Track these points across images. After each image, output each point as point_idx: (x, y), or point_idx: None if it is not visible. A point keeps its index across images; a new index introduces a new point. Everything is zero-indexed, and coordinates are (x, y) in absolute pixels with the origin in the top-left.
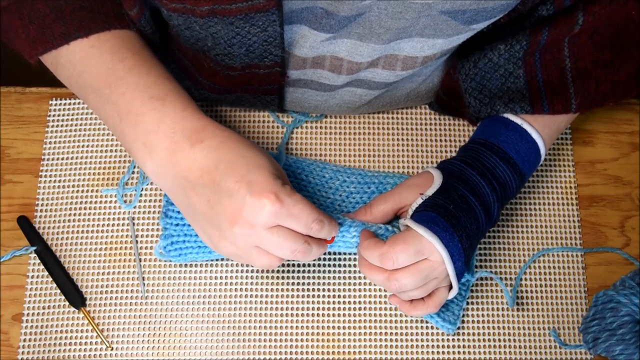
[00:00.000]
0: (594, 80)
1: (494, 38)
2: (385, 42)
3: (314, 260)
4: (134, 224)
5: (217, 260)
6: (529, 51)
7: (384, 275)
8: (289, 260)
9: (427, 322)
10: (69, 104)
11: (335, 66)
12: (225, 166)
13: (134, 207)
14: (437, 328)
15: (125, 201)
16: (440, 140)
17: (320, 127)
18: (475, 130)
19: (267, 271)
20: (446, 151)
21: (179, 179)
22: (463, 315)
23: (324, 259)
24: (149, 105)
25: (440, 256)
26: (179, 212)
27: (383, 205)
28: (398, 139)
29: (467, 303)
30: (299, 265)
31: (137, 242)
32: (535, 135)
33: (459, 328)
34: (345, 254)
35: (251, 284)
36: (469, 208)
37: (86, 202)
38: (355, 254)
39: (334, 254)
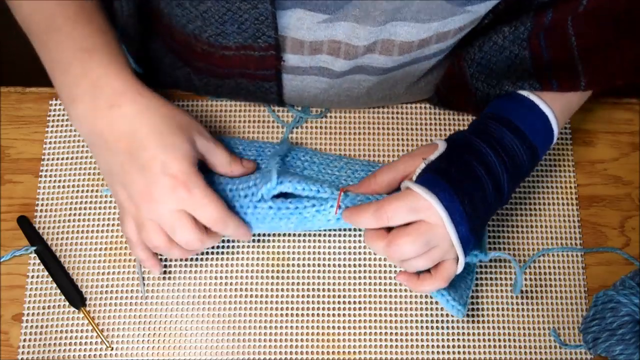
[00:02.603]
0: (602, 57)
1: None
2: (380, 23)
3: (314, 260)
4: None
5: (217, 260)
6: (533, 32)
7: (384, 242)
8: (287, 261)
9: (426, 322)
10: None
11: (333, 49)
12: (141, 139)
13: None
14: (436, 328)
15: None
16: (443, 137)
17: (321, 127)
18: (485, 109)
19: (267, 271)
20: None
21: (97, 136)
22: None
23: (324, 259)
24: (77, 57)
25: (439, 218)
26: None
27: (387, 175)
28: (399, 137)
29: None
30: (299, 265)
31: None
32: (543, 107)
33: (459, 328)
34: (346, 253)
35: (251, 284)
36: (474, 175)
37: (86, 202)
38: (355, 241)
39: (335, 254)
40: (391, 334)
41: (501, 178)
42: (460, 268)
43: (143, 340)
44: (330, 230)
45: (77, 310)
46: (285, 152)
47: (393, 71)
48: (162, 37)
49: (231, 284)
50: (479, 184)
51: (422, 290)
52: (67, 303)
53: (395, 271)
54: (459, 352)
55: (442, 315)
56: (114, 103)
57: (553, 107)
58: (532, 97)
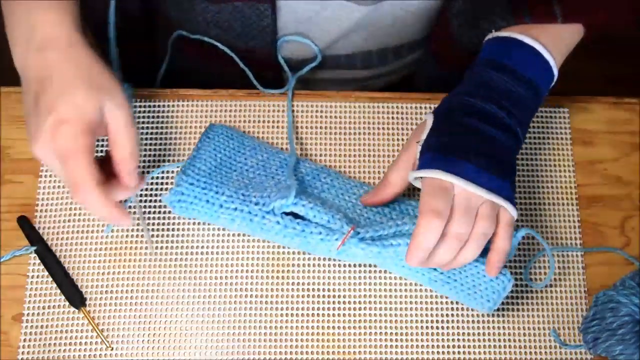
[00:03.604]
0: None
1: None
2: None
3: (314, 260)
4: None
5: (217, 260)
6: None
7: (450, 255)
8: (287, 261)
9: (426, 322)
10: None
11: None
12: (47, 85)
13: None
14: (436, 328)
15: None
16: None
17: (321, 127)
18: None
19: (267, 271)
20: None
21: (22, 77)
22: (462, 316)
23: (324, 259)
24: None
25: (463, 184)
26: (197, 173)
27: (396, 172)
28: (399, 137)
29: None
30: (299, 265)
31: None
32: (528, 40)
33: (459, 328)
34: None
35: (251, 284)
36: (469, 129)
37: None
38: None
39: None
40: (391, 334)
41: (500, 116)
42: (514, 211)
43: (143, 340)
44: None
45: (77, 310)
46: (294, 163)
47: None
48: None
49: (231, 284)
50: (478, 136)
51: (501, 246)
52: (67, 303)
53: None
54: (459, 352)
55: (442, 315)
56: (41, 47)
57: (540, 39)
58: (515, 34)
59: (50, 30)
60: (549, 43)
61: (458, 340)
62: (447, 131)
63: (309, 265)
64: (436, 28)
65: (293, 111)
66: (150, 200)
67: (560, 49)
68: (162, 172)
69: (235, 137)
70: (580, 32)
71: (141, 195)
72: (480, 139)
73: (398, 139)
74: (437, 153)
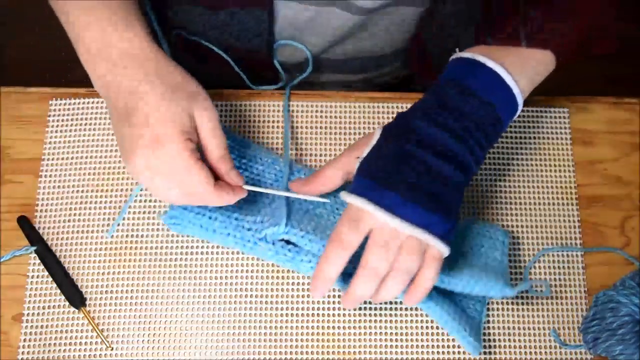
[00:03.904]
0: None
1: None
2: None
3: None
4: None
5: (217, 260)
6: None
7: (371, 288)
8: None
9: (426, 322)
10: (69, 104)
11: None
12: (137, 101)
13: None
14: (436, 327)
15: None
16: None
17: (320, 126)
18: None
19: (267, 271)
20: None
21: (105, 97)
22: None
23: None
24: (94, 20)
25: (381, 217)
26: None
27: (334, 170)
28: None
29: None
30: None
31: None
32: (491, 64)
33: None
34: None
35: (251, 284)
36: (407, 157)
37: (86, 202)
38: None
39: None
40: (391, 334)
41: (450, 147)
42: (443, 247)
43: (143, 340)
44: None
45: (77, 310)
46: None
47: (373, 17)
48: None
49: (231, 284)
50: (419, 166)
51: (425, 284)
52: (67, 303)
53: None
54: (459, 352)
55: None
56: (123, 64)
57: (505, 63)
58: (478, 56)
59: (128, 45)
60: (514, 67)
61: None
62: (386, 155)
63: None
64: (412, 46)
65: (292, 111)
66: (150, 200)
67: (527, 73)
68: None
69: (234, 149)
70: (551, 60)
71: (141, 195)
72: (420, 171)
73: None
74: (367, 179)
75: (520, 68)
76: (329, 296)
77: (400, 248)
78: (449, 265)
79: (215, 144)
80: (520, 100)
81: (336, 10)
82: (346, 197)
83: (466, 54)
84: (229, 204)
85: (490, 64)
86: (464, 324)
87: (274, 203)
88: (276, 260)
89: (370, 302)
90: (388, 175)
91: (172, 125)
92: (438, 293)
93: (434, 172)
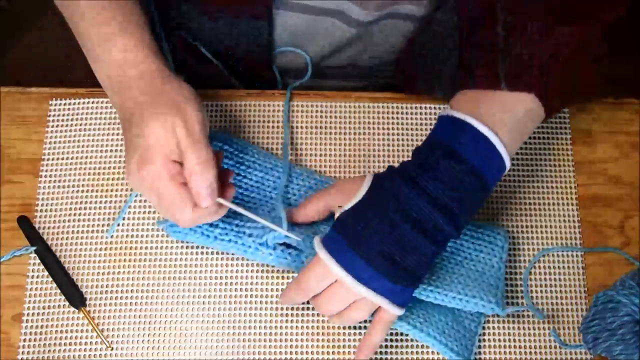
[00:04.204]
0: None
1: None
2: None
3: None
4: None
5: (217, 260)
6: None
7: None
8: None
9: None
10: (69, 104)
11: None
12: (137, 119)
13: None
14: None
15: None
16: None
17: (320, 126)
18: None
19: (267, 271)
20: None
21: (118, 113)
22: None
23: None
24: (108, 41)
25: (348, 282)
26: None
27: (315, 205)
28: (399, 137)
29: None
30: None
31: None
32: (482, 128)
33: None
34: None
35: (251, 284)
36: (385, 225)
37: (86, 202)
38: None
39: None
40: (391, 334)
41: (428, 221)
42: (398, 312)
43: (143, 340)
44: None
45: (77, 310)
46: (286, 181)
47: (370, 29)
48: None
49: (231, 284)
50: (393, 236)
51: (373, 341)
52: (67, 303)
53: None
54: None
55: None
56: (122, 84)
57: (494, 124)
58: (468, 118)
59: (131, 62)
60: (501, 126)
61: None
62: (366, 218)
63: None
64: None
65: (292, 111)
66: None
67: (515, 133)
68: None
69: (233, 156)
70: (540, 113)
71: (141, 195)
72: (396, 242)
73: (398, 140)
74: (343, 239)
75: (509, 126)
76: None
77: (355, 302)
78: (442, 277)
79: (192, 159)
80: (508, 163)
81: (335, 20)
82: (319, 250)
83: (457, 114)
84: (209, 221)
85: (482, 128)
86: (452, 343)
87: (273, 212)
88: (277, 263)
89: None
90: (363, 240)
91: (156, 148)
92: (427, 307)
93: (410, 246)
